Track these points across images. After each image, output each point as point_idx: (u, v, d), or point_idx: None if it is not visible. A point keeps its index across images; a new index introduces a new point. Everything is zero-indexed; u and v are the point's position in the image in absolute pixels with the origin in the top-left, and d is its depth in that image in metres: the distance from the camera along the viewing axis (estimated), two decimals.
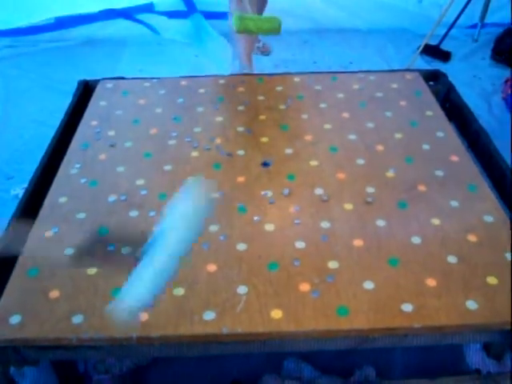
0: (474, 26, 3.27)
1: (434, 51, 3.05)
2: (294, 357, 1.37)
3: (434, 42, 3.04)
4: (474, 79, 2.86)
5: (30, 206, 1.43)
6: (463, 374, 1.26)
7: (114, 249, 1.25)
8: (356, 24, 3.36)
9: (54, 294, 1.17)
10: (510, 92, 2.53)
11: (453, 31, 3.09)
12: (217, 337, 1.09)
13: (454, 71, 2.20)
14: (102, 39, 3.28)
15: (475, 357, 1.32)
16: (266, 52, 3.10)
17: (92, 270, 1.22)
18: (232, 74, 2.41)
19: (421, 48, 2.92)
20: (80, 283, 1.19)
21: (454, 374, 1.22)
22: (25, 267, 1.23)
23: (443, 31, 3.05)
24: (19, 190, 2.02)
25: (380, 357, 1.38)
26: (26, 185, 1.53)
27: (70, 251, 1.25)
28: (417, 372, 1.33)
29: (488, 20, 3.25)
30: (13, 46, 3.21)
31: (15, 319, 1.11)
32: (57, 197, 1.43)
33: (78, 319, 1.11)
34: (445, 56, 3.05)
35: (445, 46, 3.07)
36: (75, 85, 1.96)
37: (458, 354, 1.37)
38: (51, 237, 1.31)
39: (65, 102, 1.88)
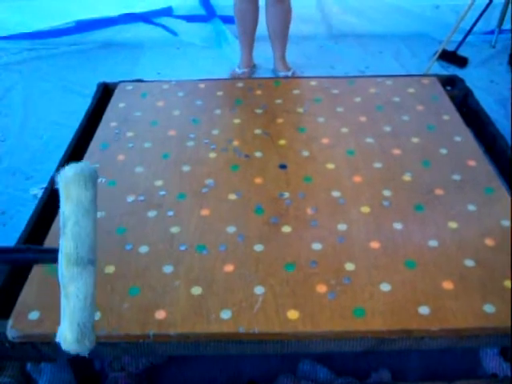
0: (491, 32, 3.26)
1: (450, 57, 3.05)
2: (309, 358, 1.37)
3: (451, 48, 3.04)
4: (491, 85, 2.85)
5: (49, 206, 1.45)
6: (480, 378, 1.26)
7: (131, 248, 1.27)
8: (372, 29, 3.37)
9: None
10: None
11: (470, 37, 3.09)
12: (233, 336, 1.10)
13: (471, 77, 2.20)
14: (121, 43, 3.32)
15: (492, 361, 1.31)
16: None
17: (110, 269, 1.23)
18: (250, 78, 2.44)
19: (438, 54, 2.91)
20: (97, 281, 1.20)
21: (470, 378, 1.21)
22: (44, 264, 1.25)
23: (460, 37, 3.04)
24: (38, 190, 2.05)
25: (395, 360, 1.37)
26: (45, 185, 1.55)
27: None
28: (432, 376, 1.33)
29: (505, 26, 3.24)
30: (33, 48, 3.27)
31: (34, 315, 1.12)
32: None
33: (95, 316, 1.12)
34: (462, 62, 3.04)
35: (462, 52, 3.06)
36: (94, 87, 1.98)
37: (475, 359, 1.36)
38: None
39: (84, 104, 1.90)
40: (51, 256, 0.82)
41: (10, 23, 3.26)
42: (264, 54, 3.04)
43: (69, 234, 0.81)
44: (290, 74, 2.91)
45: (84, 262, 0.82)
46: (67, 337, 0.81)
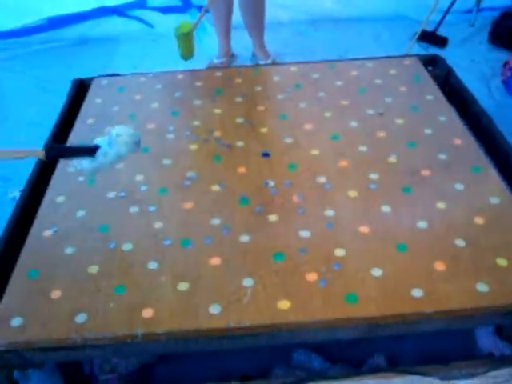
0: (470, 11, 3.24)
1: (430, 37, 3.03)
2: (303, 348, 1.35)
3: (430, 29, 3.01)
4: (472, 64, 2.83)
5: (28, 207, 1.41)
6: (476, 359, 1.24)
7: (114, 246, 1.24)
8: (350, 13, 3.33)
9: (56, 294, 1.15)
10: (509, 74, 2.50)
11: (449, 17, 3.06)
12: (223, 331, 1.07)
13: (451, 57, 2.17)
14: (95, 38, 3.25)
15: (487, 340, 1.29)
16: None
17: (93, 269, 1.19)
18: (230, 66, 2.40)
19: (417, 35, 2.89)
20: (81, 282, 1.17)
21: (466, 359, 1.19)
22: (25, 268, 1.21)
23: (439, 17, 3.02)
24: (17, 193, 2.00)
25: (390, 345, 1.35)
26: (23, 187, 1.51)
27: (70, 250, 1.24)
28: (428, 359, 1.31)
29: (484, 4, 3.22)
30: (6, 48, 3.19)
31: (16, 322, 1.09)
32: (55, 196, 1.41)
33: (81, 318, 1.09)
34: (441, 42, 3.02)
35: (441, 32, 3.04)
36: (70, 85, 1.93)
37: (470, 340, 1.34)
38: (50, 236, 1.29)
39: (60, 102, 1.85)
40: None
41: None
42: (243, 42, 3.00)
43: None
44: (269, 61, 2.88)
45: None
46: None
